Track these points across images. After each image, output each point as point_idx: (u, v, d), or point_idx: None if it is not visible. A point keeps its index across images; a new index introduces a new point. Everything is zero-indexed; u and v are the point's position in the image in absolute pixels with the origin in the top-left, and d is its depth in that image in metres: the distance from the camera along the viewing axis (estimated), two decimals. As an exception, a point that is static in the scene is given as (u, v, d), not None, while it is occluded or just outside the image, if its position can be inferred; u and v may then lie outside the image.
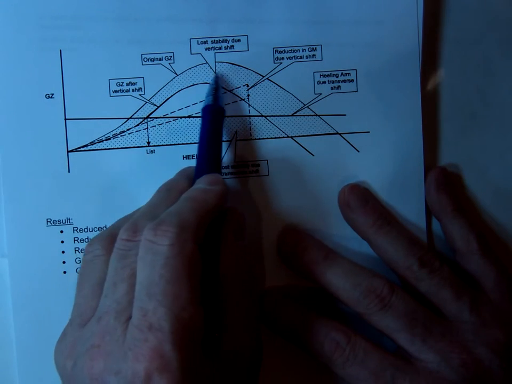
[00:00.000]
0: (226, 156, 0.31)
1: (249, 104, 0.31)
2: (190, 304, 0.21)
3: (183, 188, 0.27)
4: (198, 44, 0.31)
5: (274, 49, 0.31)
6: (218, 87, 0.30)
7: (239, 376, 0.24)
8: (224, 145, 0.30)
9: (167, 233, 0.22)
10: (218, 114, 0.29)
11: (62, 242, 0.31)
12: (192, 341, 0.21)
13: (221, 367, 0.23)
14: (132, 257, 0.23)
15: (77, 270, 0.31)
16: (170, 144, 0.31)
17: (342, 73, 0.31)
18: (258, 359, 0.25)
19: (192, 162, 0.30)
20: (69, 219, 0.31)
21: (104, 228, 0.31)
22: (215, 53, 0.31)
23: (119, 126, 0.31)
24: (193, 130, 0.31)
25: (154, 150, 0.31)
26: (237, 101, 0.31)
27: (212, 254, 0.25)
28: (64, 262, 0.30)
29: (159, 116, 0.31)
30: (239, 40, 0.31)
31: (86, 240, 0.31)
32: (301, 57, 0.31)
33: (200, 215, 0.24)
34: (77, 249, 0.31)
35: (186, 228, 0.22)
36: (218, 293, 0.24)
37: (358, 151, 0.31)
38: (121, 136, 0.31)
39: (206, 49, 0.31)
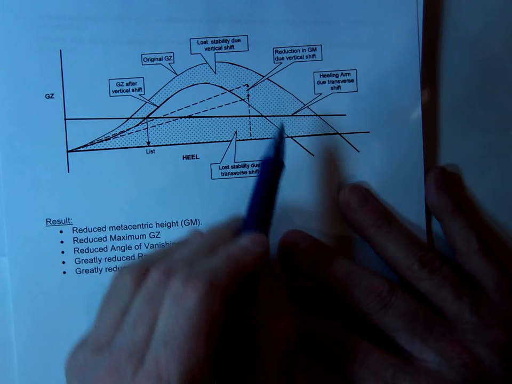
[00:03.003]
0: (227, 156, 0.31)
1: (249, 104, 0.31)
2: (203, 362, 0.21)
3: (227, 238, 0.26)
4: (198, 43, 0.31)
5: (274, 49, 0.31)
6: (282, 140, 0.29)
7: None
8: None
9: (197, 287, 0.21)
10: (278, 169, 0.28)
11: (62, 242, 0.31)
12: None
13: None
14: (158, 301, 0.22)
15: (77, 270, 0.30)
16: (170, 144, 0.31)
17: (342, 73, 0.31)
18: None
19: (192, 162, 0.30)
20: (69, 219, 0.31)
21: (104, 229, 0.31)
22: (215, 53, 0.31)
23: (119, 126, 0.31)
24: (193, 130, 0.31)
25: (154, 150, 0.31)
26: (237, 101, 0.31)
27: (246, 307, 0.24)
28: (63, 262, 0.30)
29: (159, 116, 0.31)
30: (239, 40, 0.31)
31: (86, 240, 0.31)
32: (301, 57, 0.31)
33: (235, 275, 0.23)
34: (76, 249, 0.31)
35: (218, 286, 0.22)
36: (250, 346, 0.24)
37: (358, 151, 0.31)
38: (121, 136, 0.31)
39: (206, 49, 0.31)
